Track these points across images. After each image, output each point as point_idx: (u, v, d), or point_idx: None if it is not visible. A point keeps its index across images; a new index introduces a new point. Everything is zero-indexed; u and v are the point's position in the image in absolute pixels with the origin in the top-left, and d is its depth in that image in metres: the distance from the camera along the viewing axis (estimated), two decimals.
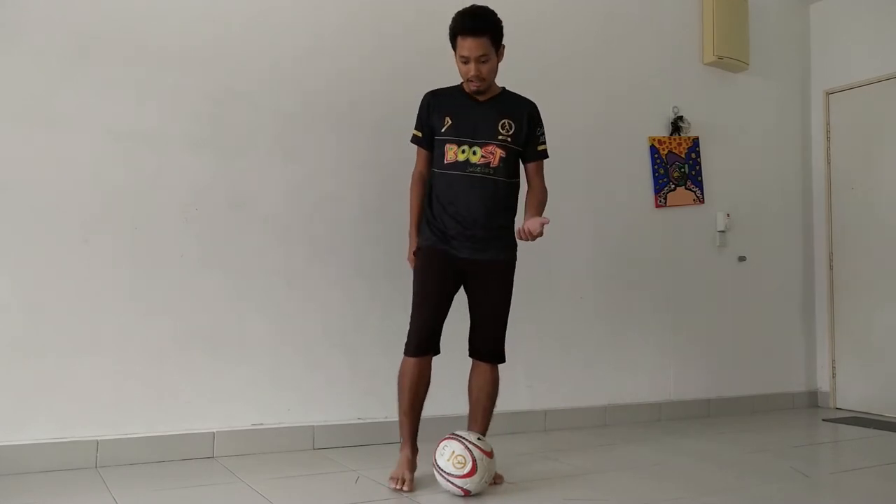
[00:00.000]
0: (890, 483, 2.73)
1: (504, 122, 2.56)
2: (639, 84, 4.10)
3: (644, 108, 4.13)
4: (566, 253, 3.79)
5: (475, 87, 2.54)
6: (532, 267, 3.61)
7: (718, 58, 4.28)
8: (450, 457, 2.36)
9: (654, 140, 4.14)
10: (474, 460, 2.33)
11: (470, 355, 2.60)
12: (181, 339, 2.85)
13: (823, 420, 4.17)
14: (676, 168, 4.20)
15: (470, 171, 2.52)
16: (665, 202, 4.15)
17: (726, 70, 4.43)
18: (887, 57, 4.37)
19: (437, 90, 2.66)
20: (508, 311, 2.58)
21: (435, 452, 2.40)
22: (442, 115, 2.57)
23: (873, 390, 4.36)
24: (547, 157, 2.69)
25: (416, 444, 2.54)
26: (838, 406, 4.56)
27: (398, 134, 2.95)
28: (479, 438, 2.41)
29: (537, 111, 2.65)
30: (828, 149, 4.70)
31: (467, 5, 2.54)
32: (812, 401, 4.66)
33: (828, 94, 4.72)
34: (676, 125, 4.20)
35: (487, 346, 2.56)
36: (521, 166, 2.67)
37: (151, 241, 2.82)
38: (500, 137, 2.54)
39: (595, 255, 3.89)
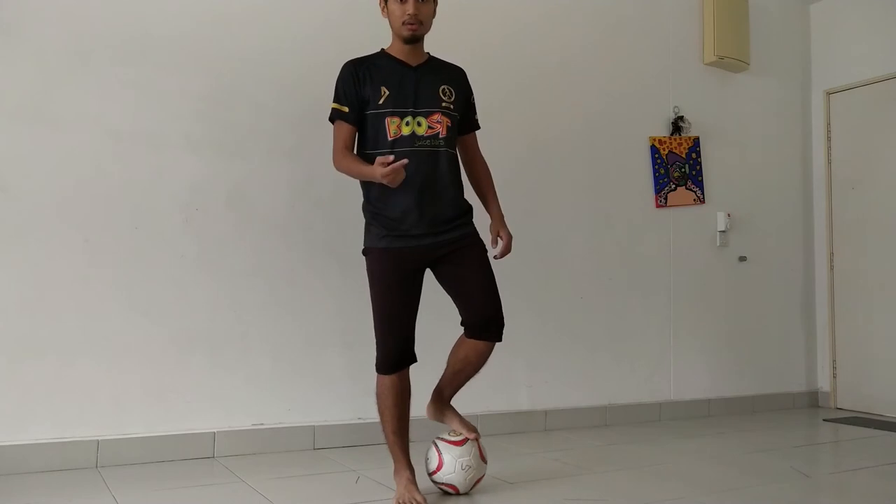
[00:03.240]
0: (890, 483, 2.73)
1: (444, 88, 2.35)
2: (639, 84, 4.10)
3: (644, 108, 4.13)
4: (566, 253, 3.79)
5: (411, 31, 2.27)
6: (532, 266, 3.62)
7: (719, 58, 4.28)
8: (425, 461, 2.39)
9: (654, 140, 4.14)
10: (439, 453, 2.34)
11: (469, 336, 2.35)
12: (181, 339, 2.85)
13: (824, 420, 4.17)
14: (677, 168, 4.19)
15: (419, 146, 2.26)
16: (665, 202, 4.15)
17: (726, 70, 4.43)
18: (887, 57, 4.36)
19: (360, 59, 2.35)
20: (495, 281, 2.35)
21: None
22: (376, 86, 2.28)
23: (874, 390, 4.36)
24: (479, 127, 2.53)
25: (411, 464, 2.34)
26: (839, 406, 4.55)
27: None
28: (450, 432, 2.40)
29: (467, 77, 2.47)
30: (828, 149, 4.69)
31: None
32: (812, 401, 4.66)
33: (828, 94, 4.72)
34: (677, 125, 4.20)
35: (491, 321, 2.31)
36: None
37: (151, 241, 2.82)
38: (444, 104, 2.32)
39: (595, 254, 3.89)
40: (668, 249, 4.15)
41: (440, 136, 2.29)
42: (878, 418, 4.18)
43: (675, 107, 4.22)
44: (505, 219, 2.54)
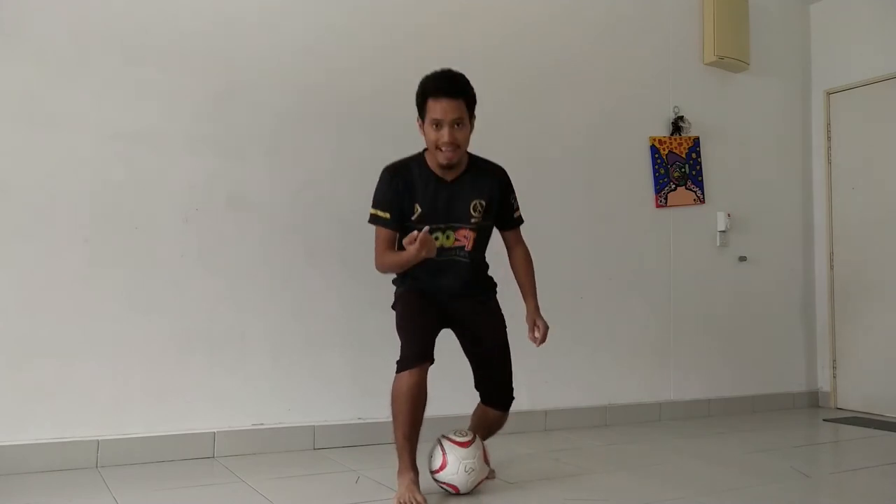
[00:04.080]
0: (890, 483, 2.73)
1: (475, 204, 2.38)
2: (639, 84, 4.10)
3: (644, 108, 4.13)
4: (566, 253, 3.78)
5: (447, 159, 2.28)
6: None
7: (719, 58, 4.28)
8: (428, 458, 2.37)
9: (654, 140, 4.14)
10: (444, 453, 2.32)
11: (482, 401, 2.51)
12: (181, 339, 2.85)
13: (824, 420, 4.17)
14: (677, 168, 4.19)
15: (445, 256, 2.37)
16: (665, 202, 4.15)
17: (726, 70, 4.43)
18: (887, 57, 4.36)
19: (398, 166, 2.38)
20: (509, 351, 2.49)
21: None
22: (411, 202, 2.34)
23: (874, 390, 4.36)
24: (523, 221, 2.56)
25: (416, 467, 2.31)
26: (839, 406, 4.55)
27: (397, 134, 2.95)
28: (456, 432, 2.38)
29: (508, 178, 2.49)
30: (828, 149, 4.69)
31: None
32: (812, 401, 4.66)
33: (828, 93, 4.72)
34: (677, 125, 4.20)
35: (497, 395, 2.48)
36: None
37: (151, 241, 2.82)
38: (473, 220, 2.38)
39: (595, 255, 3.89)
40: (668, 249, 4.15)
41: (465, 248, 2.39)
42: (878, 418, 4.18)
43: (675, 107, 4.22)
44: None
